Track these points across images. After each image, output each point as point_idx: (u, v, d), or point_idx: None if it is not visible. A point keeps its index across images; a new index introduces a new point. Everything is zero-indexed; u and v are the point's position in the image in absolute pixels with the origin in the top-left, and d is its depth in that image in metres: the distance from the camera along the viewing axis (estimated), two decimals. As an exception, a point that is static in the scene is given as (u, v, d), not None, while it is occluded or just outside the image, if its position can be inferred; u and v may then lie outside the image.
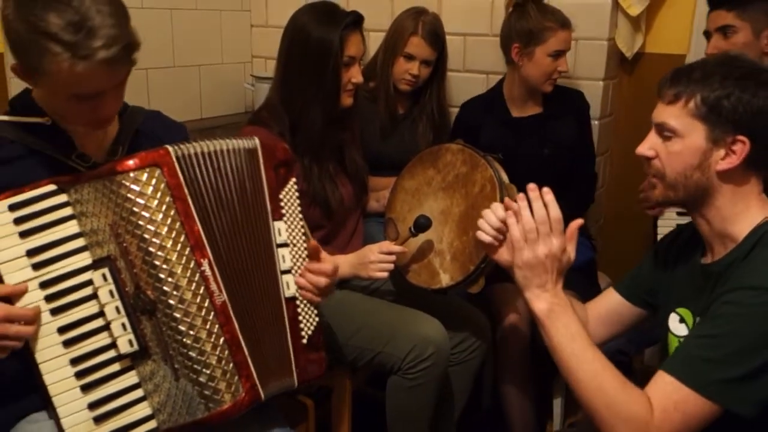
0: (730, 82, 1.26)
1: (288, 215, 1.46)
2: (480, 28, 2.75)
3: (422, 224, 1.87)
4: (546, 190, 1.36)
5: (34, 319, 1.21)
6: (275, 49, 3.16)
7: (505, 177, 1.91)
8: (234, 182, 1.38)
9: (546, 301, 1.32)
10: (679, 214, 2.16)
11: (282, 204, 1.45)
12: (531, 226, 1.33)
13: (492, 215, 1.45)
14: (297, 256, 1.47)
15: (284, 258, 1.44)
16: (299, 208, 1.49)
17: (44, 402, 1.24)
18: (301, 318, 1.46)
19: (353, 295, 2.04)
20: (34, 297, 1.22)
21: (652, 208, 2.09)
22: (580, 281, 2.02)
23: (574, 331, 1.28)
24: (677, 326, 1.43)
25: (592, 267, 2.43)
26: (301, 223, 1.49)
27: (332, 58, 1.88)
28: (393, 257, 1.88)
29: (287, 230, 1.45)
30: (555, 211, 1.33)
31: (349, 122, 2.08)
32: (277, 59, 2.01)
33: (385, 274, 1.88)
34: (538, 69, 2.36)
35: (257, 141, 1.43)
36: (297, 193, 1.49)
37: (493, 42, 2.71)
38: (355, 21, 1.93)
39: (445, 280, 1.94)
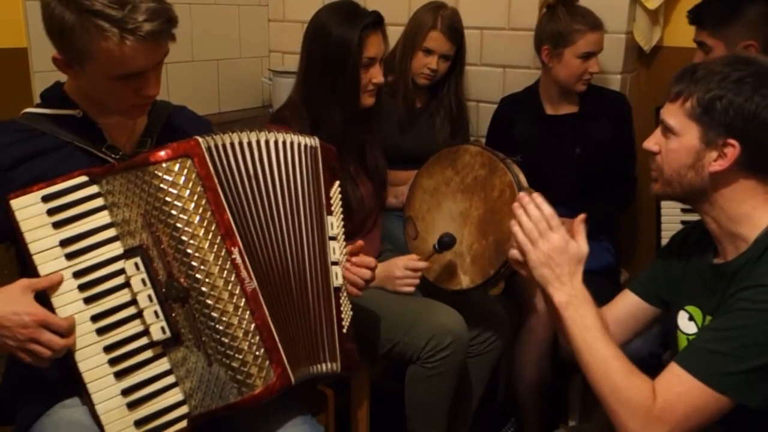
0: (727, 84, 1.26)
1: (335, 212, 1.52)
2: (497, 22, 2.75)
3: (446, 243, 1.90)
4: (536, 194, 1.39)
5: (68, 331, 1.23)
6: (292, 44, 3.20)
7: (524, 181, 1.93)
8: (280, 173, 1.42)
9: (565, 293, 1.33)
10: (683, 210, 2.16)
11: (332, 201, 1.51)
12: (529, 227, 1.36)
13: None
14: (342, 250, 1.54)
15: (334, 250, 1.51)
16: (342, 209, 1.56)
17: (78, 388, 1.27)
18: (342, 309, 1.51)
19: (371, 288, 2.06)
20: (68, 286, 1.25)
21: None
22: (601, 285, 2.03)
23: (590, 322, 1.30)
24: (686, 324, 1.44)
25: (613, 271, 2.44)
26: (343, 222, 1.56)
27: (351, 59, 1.88)
28: (419, 273, 1.91)
29: (337, 225, 1.52)
30: (547, 208, 1.36)
31: (372, 122, 2.08)
32: (300, 58, 2.02)
33: (412, 289, 1.92)
34: (567, 70, 2.37)
35: (317, 141, 1.50)
36: (341, 195, 1.56)
37: (510, 36, 2.73)
38: (375, 21, 1.93)
39: (465, 282, 1.97)
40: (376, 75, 1.95)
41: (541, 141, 2.44)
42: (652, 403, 1.21)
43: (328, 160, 1.53)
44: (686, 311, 1.43)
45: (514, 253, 1.43)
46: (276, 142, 1.44)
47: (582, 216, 1.41)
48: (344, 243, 1.57)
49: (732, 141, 1.26)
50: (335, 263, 1.52)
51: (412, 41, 2.47)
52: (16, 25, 2.23)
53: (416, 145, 2.53)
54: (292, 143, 1.46)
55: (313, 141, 1.51)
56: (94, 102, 1.37)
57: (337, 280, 1.51)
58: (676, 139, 1.32)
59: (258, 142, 1.41)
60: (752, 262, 1.28)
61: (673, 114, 1.32)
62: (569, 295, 1.33)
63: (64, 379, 1.30)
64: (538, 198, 1.38)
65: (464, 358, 1.99)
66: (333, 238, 1.52)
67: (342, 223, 1.56)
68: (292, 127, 1.92)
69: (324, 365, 1.49)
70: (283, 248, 1.42)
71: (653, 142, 1.38)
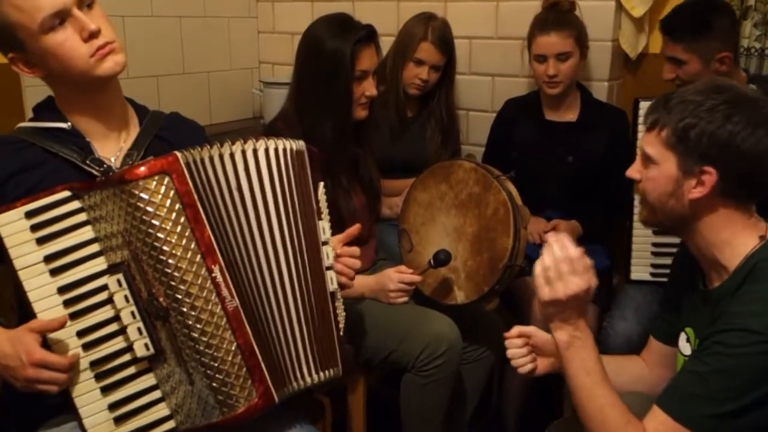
0: (700, 113, 1.27)
1: (325, 215, 1.52)
2: (485, 31, 2.78)
3: (442, 260, 1.91)
4: (563, 234, 1.33)
5: (69, 367, 1.24)
6: (282, 55, 3.23)
7: (517, 198, 1.95)
8: (263, 182, 1.39)
9: (567, 333, 1.31)
10: (655, 233, 2.15)
11: (320, 205, 1.50)
12: (548, 265, 1.31)
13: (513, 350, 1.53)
14: (334, 253, 1.54)
15: (328, 255, 1.50)
16: (328, 210, 1.55)
17: (66, 403, 1.28)
18: (338, 312, 1.51)
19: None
20: (53, 302, 1.26)
21: None
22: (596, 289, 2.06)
23: (590, 367, 1.30)
24: (684, 345, 1.45)
25: (608, 275, 2.45)
26: (329, 224, 1.54)
27: (343, 72, 1.89)
28: (412, 287, 1.93)
29: (328, 228, 1.52)
30: (573, 251, 1.29)
31: (365, 134, 2.08)
32: (293, 70, 2.03)
33: (405, 300, 1.93)
34: (534, 73, 2.42)
35: (303, 144, 1.48)
36: (326, 196, 1.54)
37: (499, 45, 2.76)
38: (369, 35, 1.93)
39: (459, 297, 2.00)
40: (368, 88, 1.96)
41: (537, 145, 2.46)
42: None
43: (314, 162, 1.51)
44: (685, 332, 1.45)
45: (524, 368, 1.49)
46: (261, 150, 1.40)
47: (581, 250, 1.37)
48: (333, 247, 1.57)
49: (708, 168, 1.27)
50: (329, 268, 1.51)
51: (403, 52, 2.49)
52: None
53: (407, 154, 2.55)
54: (276, 149, 1.42)
55: (298, 145, 1.47)
56: (73, 83, 1.37)
57: (332, 285, 1.51)
58: (656, 168, 1.33)
59: (243, 152, 1.37)
60: (730, 294, 1.29)
61: (650, 143, 1.33)
62: (572, 336, 1.32)
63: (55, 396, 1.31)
64: (566, 239, 1.32)
65: (459, 366, 2.01)
66: (325, 243, 1.51)
67: (329, 227, 1.55)
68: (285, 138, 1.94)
69: (326, 372, 1.46)
70: (268, 262, 1.40)
71: (635, 170, 1.40)
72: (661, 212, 1.36)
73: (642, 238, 2.12)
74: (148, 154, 1.43)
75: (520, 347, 1.52)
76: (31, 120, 1.44)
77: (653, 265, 2.12)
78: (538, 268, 1.33)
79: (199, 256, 1.26)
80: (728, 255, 1.32)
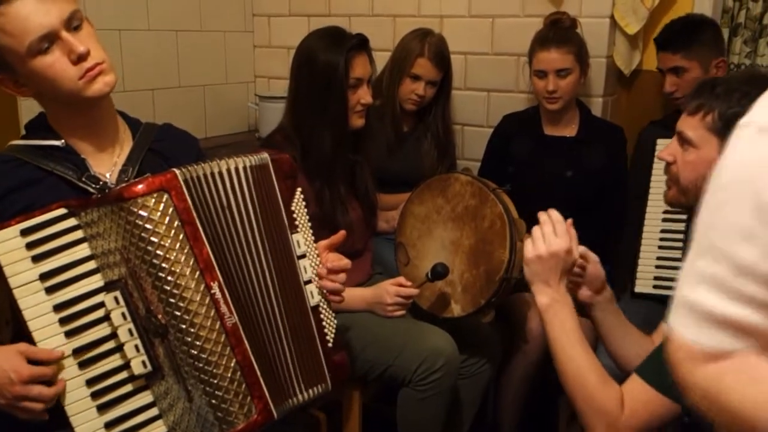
0: (748, 101, 1.27)
1: (301, 226, 1.49)
2: (481, 46, 2.79)
3: (440, 273, 1.91)
4: (553, 210, 1.46)
5: (55, 378, 1.23)
6: (278, 69, 3.23)
7: (514, 212, 1.95)
8: (247, 200, 1.39)
9: (548, 296, 1.40)
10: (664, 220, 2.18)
11: (295, 216, 1.48)
12: (536, 231, 1.43)
13: None
14: (314, 264, 1.52)
15: (305, 269, 1.48)
16: (307, 217, 1.53)
17: (62, 422, 1.26)
18: (324, 323, 1.50)
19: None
20: (49, 320, 1.25)
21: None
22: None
23: (569, 328, 1.36)
24: None
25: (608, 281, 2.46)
26: (311, 231, 1.53)
27: (337, 80, 1.91)
28: (409, 301, 1.93)
29: (304, 241, 1.49)
30: (555, 214, 1.44)
31: (361, 143, 2.10)
32: (289, 84, 2.04)
33: (402, 313, 1.94)
34: (534, 88, 2.43)
35: (267, 156, 1.46)
36: (304, 202, 1.52)
37: (494, 60, 2.77)
38: (360, 43, 1.96)
39: (456, 310, 1.99)
40: (363, 95, 1.98)
41: (535, 159, 2.47)
42: (620, 412, 1.27)
43: (281, 171, 1.47)
44: None
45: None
46: (237, 169, 1.40)
47: (570, 220, 1.47)
48: (316, 254, 1.54)
49: None
50: (308, 282, 1.49)
51: (400, 67, 2.50)
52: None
53: (404, 168, 2.56)
54: (245, 167, 1.41)
55: (260, 158, 1.44)
56: (64, 102, 1.36)
57: (313, 299, 1.49)
58: (695, 151, 1.38)
59: (228, 171, 1.37)
60: None
61: (692, 127, 1.37)
62: (552, 298, 1.39)
63: (48, 412, 1.30)
64: (554, 211, 1.45)
65: (456, 380, 2.00)
66: (302, 257, 1.49)
67: (310, 236, 1.52)
68: (284, 152, 1.94)
69: (314, 389, 1.46)
70: (262, 277, 1.41)
71: (668, 152, 1.44)
72: (694, 195, 1.38)
73: (649, 251, 2.13)
74: (142, 168, 1.43)
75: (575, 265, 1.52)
76: (23, 138, 1.43)
77: (656, 278, 2.12)
78: (530, 236, 1.44)
79: (198, 272, 1.27)
80: None
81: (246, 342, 1.31)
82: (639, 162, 2.41)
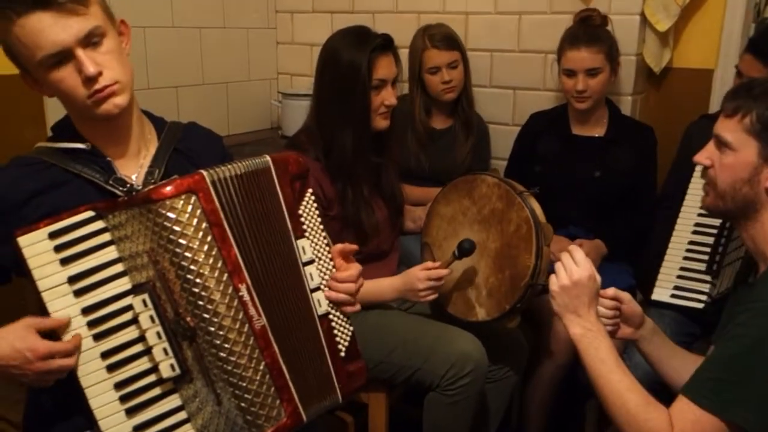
0: None
1: (310, 230, 1.44)
2: (506, 44, 2.76)
3: (466, 249, 1.88)
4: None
5: (74, 350, 1.22)
6: (301, 66, 3.22)
7: (541, 216, 1.92)
8: (261, 203, 1.36)
9: (579, 325, 1.39)
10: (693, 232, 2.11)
11: (303, 220, 1.43)
12: (558, 266, 1.42)
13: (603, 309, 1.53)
14: (324, 269, 1.46)
15: (312, 276, 1.42)
16: (319, 219, 1.46)
17: (90, 424, 1.26)
18: (336, 332, 1.45)
19: (390, 313, 2.05)
20: (77, 323, 1.24)
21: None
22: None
23: (603, 355, 1.35)
24: None
25: (632, 293, 2.42)
26: (323, 234, 1.47)
27: (360, 81, 1.89)
28: (441, 282, 1.90)
29: (311, 246, 1.43)
30: (572, 246, 1.44)
31: (386, 145, 2.07)
32: (314, 82, 2.02)
33: (435, 296, 1.92)
34: (563, 86, 2.40)
35: (269, 159, 1.38)
36: (315, 204, 1.46)
37: (520, 58, 2.74)
38: (385, 44, 1.93)
39: (481, 314, 1.97)
40: (388, 97, 1.95)
41: (562, 159, 2.44)
42: None
43: (286, 174, 1.40)
44: None
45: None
46: (252, 172, 1.35)
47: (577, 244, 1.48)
48: (329, 258, 1.47)
49: None
50: (315, 289, 1.42)
51: (417, 69, 2.56)
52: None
53: (436, 163, 2.59)
54: (256, 170, 1.36)
55: (262, 161, 1.37)
56: (78, 113, 1.36)
57: (321, 308, 1.42)
58: (733, 154, 1.35)
59: (250, 173, 1.34)
60: (766, 278, 1.32)
61: (729, 129, 1.35)
62: (584, 327, 1.38)
63: (75, 413, 1.30)
64: (570, 246, 1.45)
65: (484, 385, 1.98)
66: (308, 263, 1.42)
67: (321, 239, 1.46)
68: (307, 153, 1.92)
69: (324, 401, 1.42)
70: (280, 281, 1.37)
71: (705, 156, 1.41)
72: (731, 199, 1.37)
73: (673, 260, 2.09)
74: (168, 169, 1.41)
75: (609, 308, 1.53)
76: (49, 139, 1.41)
77: (676, 287, 2.08)
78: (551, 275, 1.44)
79: (226, 275, 1.25)
80: None
81: (275, 344, 1.30)
82: (681, 158, 2.35)
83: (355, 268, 1.50)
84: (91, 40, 1.27)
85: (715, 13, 2.55)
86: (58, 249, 1.24)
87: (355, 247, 1.51)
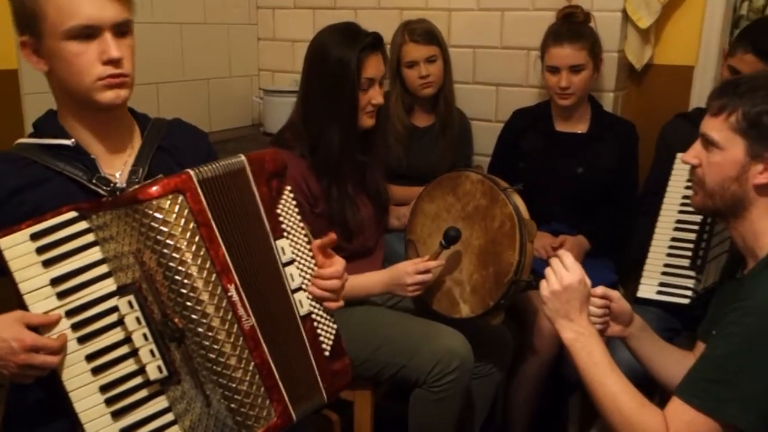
0: None
1: (289, 229, 1.41)
2: (489, 40, 2.76)
3: (453, 237, 1.89)
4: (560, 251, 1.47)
5: (60, 349, 1.20)
6: (282, 63, 3.20)
7: (524, 212, 1.92)
8: (241, 204, 1.33)
9: (571, 330, 1.39)
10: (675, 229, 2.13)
11: (281, 219, 1.39)
12: (548, 271, 1.42)
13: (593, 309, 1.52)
14: (305, 268, 1.43)
15: (292, 276, 1.39)
16: (299, 217, 1.43)
17: (75, 429, 1.23)
18: (320, 331, 1.43)
19: (375, 310, 2.04)
20: (61, 326, 1.21)
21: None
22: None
23: (597, 359, 1.35)
24: None
25: (613, 288, 2.43)
26: (303, 232, 1.44)
27: (349, 80, 1.88)
28: (429, 275, 1.89)
29: (291, 245, 1.40)
30: (561, 250, 1.46)
31: (372, 143, 2.06)
32: (300, 79, 2.01)
33: (420, 293, 1.91)
34: (546, 83, 2.40)
35: (243, 158, 1.34)
36: (294, 201, 1.43)
37: (503, 54, 2.74)
38: (374, 43, 1.92)
39: (464, 311, 1.97)
40: (375, 96, 1.94)
41: (545, 155, 2.45)
42: None
43: (262, 173, 1.36)
44: None
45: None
46: (234, 172, 1.33)
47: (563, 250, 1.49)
48: (310, 257, 1.44)
49: None
50: (297, 290, 1.39)
51: (396, 64, 2.55)
52: (7, 47, 2.22)
53: (418, 162, 2.58)
54: (234, 171, 1.33)
55: (237, 161, 1.33)
56: (70, 94, 1.33)
57: (302, 308, 1.39)
58: (720, 153, 1.36)
59: (234, 172, 1.32)
60: (756, 275, 1.32)
61: (716, 128, 1.35)
62: (576, 332, 1.38)
63: (58, 417, 1.27)
64: (559, 251, 1.47)
65: (470, 381, 1.98)
66: (288, 264, 1.39)
67: (301, 237, 1.43)
68: (293, 149, 1.91)
69: (312, 400, 1.41)
70: (266, 282, 1.35)
71: (692, 155, 1.42)
72: (720, 197, 1.38)
73: (657, 257, 2.10)
74: (152, 168, 1.39)
75: (599, 307, 1.53)
76: (31, 136, 1.39)
77: (661, 284, 2.10)
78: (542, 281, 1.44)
79: (214, 275, 1.23)
80: (765, 241, 1.35)
81: (264, 345, 1.29)
82: (659, 156, 2.37)
83: (339, 263, 1.48)
84: (121, 29, 1.30)
85: (695, 10, 2.57)
86: (40, 251, 1.21)
87: (333, 237, 1.47)
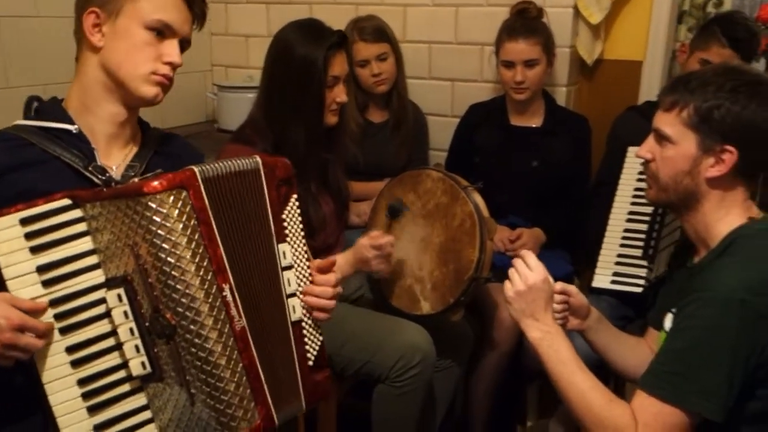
0: (723, 94, 1.32)
1: (291, 236, 1.42)
2: (444, 36, 2.79)
3: (396, 208, 1.94)
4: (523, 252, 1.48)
5: (46, 333, 1.17)
6: (236, 58, 3.16)
7: (484, 210, 1.95)
8: (248, 204, 1.35)
9: (537, 329, 1.41)
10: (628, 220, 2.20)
11: (285, 224, 1.41)
12: (511, 272, 1.45)
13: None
14: (301, 276, 1.44)
15: (289, 281, 1.40)
16: (301, 226, 1.44)
17: (48, 423, 1.20)
18: (307, 340, 1.43)
19: (339, 306, 1.99)
20: (45, 315, 1.18)
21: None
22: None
23: (564, 357, 1.37)
24: (669, 324, 1.47)
25: (569, 280, 2.49)
26: (303, 242, 1.45)
27: (316, 78, 1.86)
28: (388, 249, 1.90)
29: (291, 251, 1.41)
30: (524, 251, 1.47)
31: (335, 141, 2.06)
32: (262, 76, 1.98)
33: (388, 267, 1.92)
34: (501, 78, 2.44)
35: (259, 160, 1.37)
36: (299, 210, 1.44)
37: (457, 50, 2.77)
38: (340, 41, 1.91)
39: (425, 308, 1.99)
40: (339, 94, 1.93)
41: (501, 150, 2.48)
42: (634, 427, 1.27)
43: (273, 178, 1.38)
44: (671, 312, 1.47)
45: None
46: (240, 172, 1.34)
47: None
48: (307, 266, 1.46)
49: (729, 147, 1.33)
50: (291, 295, 1.40)
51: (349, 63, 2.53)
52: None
53: (375, 158, 2.58)
54: (243, 170, 1.35)
55: (252, 162, 1.35)
56: (113, 77, 1.34)
57: (294, 314, 1.40)
58: (673, 147, 1.38)
59: (238, 172, 1.33)
60: (709, 264, 1.35)
61: (669, 123, 1.38)
62: (542, 330, 1.40)
63: (34, 412, 1.25)
64: (521, 251, 1.48)
65: (432, 376, 2.00)
66: (287, 268, 1.40)
67: (301, 246, 1.45)
68: (255, 146, 1.88)
69: (292, 405, 1.41)
70: (259, 284, 1.35)
71: (646, 150, 1.44)
72: (673, 190, 1.41)
73: (610, 247, 2.17)
74: (149, 168, 1.39)
75: (558, 303, 1.54)
76: (30, 118, 1.37)
77: (615, 274, 2.16)
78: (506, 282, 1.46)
79: (211, 274, 1.22)
80: (716, 231, 1.38)
81: (253, 347, 1.28)
82: (611, 148, 2.44)
83: (333, 274, 1.50)
84: (185, 44, 1.41)
85: (643, 6, 2.64)
86: (29, 236, 1.18)
87: (334, 260, 1.51)
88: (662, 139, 1.40)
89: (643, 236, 2.09)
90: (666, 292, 1.63)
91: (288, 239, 1.41)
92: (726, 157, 1.34)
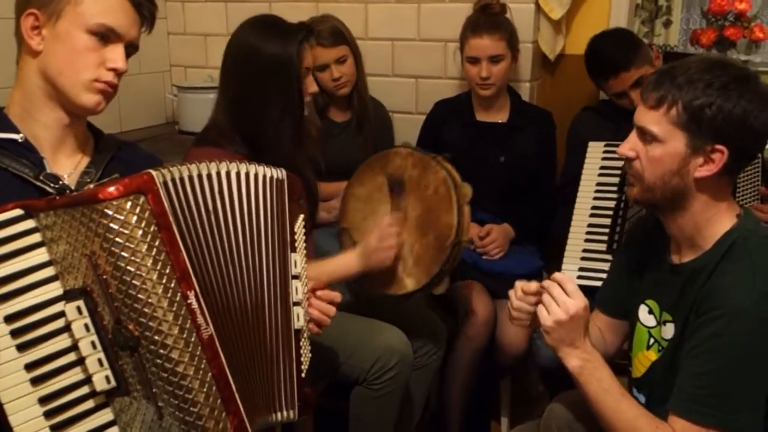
0: (713, 91, 1.26)
1: (299, 248, 1.43)
2: (407, 33, 2.77)
3: (398, 180, 1.90)
4: (556, 274, 1.39)
5: None
6: (195, 58, 3.10)
7: (457, 176, 1.94)
8: (241, 206, 1.32)
9: (578, 357, 1.35)
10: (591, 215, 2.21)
11: (296, 237, 1.41)
12: (547, 299, 1.36)
13: (520, 303, 1.46)
14: (304, 287, 1.44)
15: (297, 290, 1.40)
16: (305, 244, 1.46)
17: None
18: (302, 352, 1.41)
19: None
20: None
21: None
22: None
23: (607, 385, 1.34)
24: (646, 317, 1.47)
25: (539, 275, 2.49)
26: (304, 258, 1.45)
27: (293, 75, 1.79)
28: (396, 229, 1.86)
29: (300, 262, 1.42)
30: (560, 275, 1.37)
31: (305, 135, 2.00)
32: (221, 79, 1.89)
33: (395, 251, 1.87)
34: (466, 74, 2.43)
35: (284, 173, 1.40)
36: (305, 229, 1.46)
37: (421, 47, 2.76)
38: (308, 34, 1.86)
39: (410, 285, 1.95)
40: (311, 85, 1.87)
41: (468, 146, 2.47)
42: None
43: (294, 193, 1.43)
44: (646, 305, 1.47)
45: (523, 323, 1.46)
46: (239, 174, 1.33)
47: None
48: (306, 278, 1.47)
49: (720, 147, 1.28)
50: (297, 303, 1.41)
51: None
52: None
53: (341, 158, 2.52)
54: (257, 175, 1.37)
55: (279, 173, 1.40)
56: (52, 83, 1.29)
57: (298, 322, 1.41)
58: (660, 146, 1.32)
59: (218, 174, 1.30)
60: (710, 268, 1.32)
61: (655, 121, 1.31)
62: (583, 359, 1.35)
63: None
64: (556, 274, 1.39)
65: (409, 377, 1.98)
66: (296, 277, 1.41)
67: (304, 261, 1.46)
68: (225, 148, 1.80)
69: (280, 413, 1.40)
70: (242, 288, 1.32)
71: (628, 147, 1.37)
72: (661, 191, 1.34)
73: (575, 242, 2.18)
74: (105, 173, 1.34)
75: (532, 304, 1.45)
76: None
77: (581, 269, 2.17)
78: (542, 307, 1.37)
79: (174, 281, 1.17)
80: (707, 232, 1.35)
81: (222, 355, 1.23)
82: (572, 148, 2.46)
83: (336, 295, 1.51)
84: (131, 49, 1.34)
85: (602, 1, 2.66)
86: None
87: (337, 296, 1.54)
88: (648, 137, 1.33)
89: (606, 230, 2.11)
90: (632, 282, 1.55)
91: (297, 250, 1.42)
92: (716, 157, 1.29)
